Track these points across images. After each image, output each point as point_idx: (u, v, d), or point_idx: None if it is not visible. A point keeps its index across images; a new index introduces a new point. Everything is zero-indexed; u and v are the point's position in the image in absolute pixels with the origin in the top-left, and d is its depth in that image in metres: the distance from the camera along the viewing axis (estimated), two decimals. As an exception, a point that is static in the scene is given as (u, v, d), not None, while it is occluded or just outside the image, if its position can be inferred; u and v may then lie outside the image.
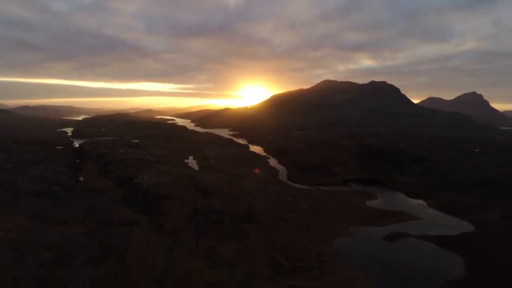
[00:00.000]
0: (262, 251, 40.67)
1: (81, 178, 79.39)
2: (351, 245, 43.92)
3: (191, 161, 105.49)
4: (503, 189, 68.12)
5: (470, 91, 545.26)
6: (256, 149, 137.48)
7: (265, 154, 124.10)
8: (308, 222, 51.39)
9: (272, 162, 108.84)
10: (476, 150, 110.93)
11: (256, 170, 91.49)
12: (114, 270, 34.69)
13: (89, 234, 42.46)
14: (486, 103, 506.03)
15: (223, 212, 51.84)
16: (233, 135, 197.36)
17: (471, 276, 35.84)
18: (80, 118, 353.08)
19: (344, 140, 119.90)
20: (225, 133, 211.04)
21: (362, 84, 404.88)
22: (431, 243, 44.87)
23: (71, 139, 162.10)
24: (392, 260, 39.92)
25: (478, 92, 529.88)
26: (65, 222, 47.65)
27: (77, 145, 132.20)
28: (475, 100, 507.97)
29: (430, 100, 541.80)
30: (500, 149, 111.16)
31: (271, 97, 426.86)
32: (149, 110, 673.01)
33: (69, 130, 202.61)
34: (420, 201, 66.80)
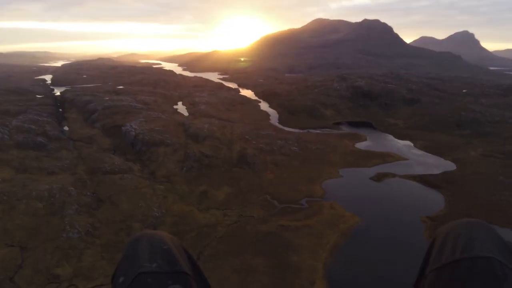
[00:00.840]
0: (254, 194, 41.86)
1: (66, 128, 77.39)
2: (340, 186, 45.42)
3: (180, 107, 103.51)
4: (487, 129, 69.90)
5: (463, 29, 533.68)
6: (246, 93, 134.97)
7: (256, 98, 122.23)
8: (298, 164, 52.45)
9: (263, 106, 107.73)
10: (464, 90, 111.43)
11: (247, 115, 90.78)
12: (108, 217, 35.47)
13: (79, 184, 42.51)
14: (477, 42, 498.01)
15: (215, 157, 52.22)
16: (223, 79, 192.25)
17: (448, 212, 37.98)
18: (58, 64, 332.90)
19: (334, 82, 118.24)
20: (214, 77, 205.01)
21: (355, 22, 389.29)
22: (414, 182, 46.73)
23: (51, 87, 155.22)
24: (378, 198, 41.74)
25: (471, 31, 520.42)
26: (54, 173, 47.18)
27: (58, 94, 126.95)
28: (466, 39, 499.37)
29: (422, 39, 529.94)
30: (486, 89, 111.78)
31: (261, 38, 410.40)
32: (133, 54, 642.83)
33: (48, 78, 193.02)
34: (407, 142, 68.26)
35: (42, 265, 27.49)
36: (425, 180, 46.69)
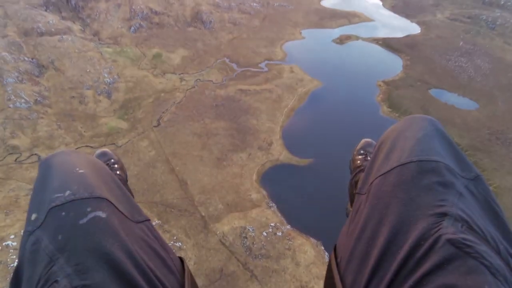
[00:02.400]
0: (212, 57, 39.89)
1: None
2: (301, 48, 44.19)
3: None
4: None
5: None
6: None
7: None
8: (259, 24, 49.03)
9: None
10: None
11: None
12: (56, 85, 32.94)
13: (14, 48, 37.40)
14: None
15: (165, 15, 46.81)
16: None
17: (403, 76, 39.46)
18: None
19: None
20: None
21: None
22: (377, 45, 46.47)
23: None
24: (339, 62, 41.81)
25: None
26: (-20, 34, 40.80)
27: None
28: None
29: None
30: None
31: None
32: None
33: None
34: (376, 1, 64.67)
35: (-5, 136, 26.46)
36: (388, 43, 46.44)
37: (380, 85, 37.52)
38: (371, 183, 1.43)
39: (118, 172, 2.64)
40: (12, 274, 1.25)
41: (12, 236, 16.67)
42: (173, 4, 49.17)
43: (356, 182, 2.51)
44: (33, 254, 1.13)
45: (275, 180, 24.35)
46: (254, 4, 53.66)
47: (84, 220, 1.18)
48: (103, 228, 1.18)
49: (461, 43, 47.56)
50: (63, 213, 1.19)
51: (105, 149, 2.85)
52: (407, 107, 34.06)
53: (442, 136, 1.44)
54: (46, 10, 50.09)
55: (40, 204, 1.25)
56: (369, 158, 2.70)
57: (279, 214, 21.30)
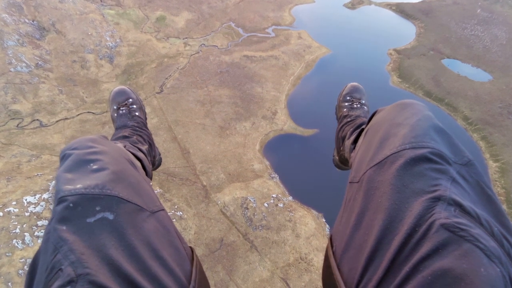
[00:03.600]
0: (218, 21, 38.35)
1: None
2: (310, 13, 42.16)
3: None
4: None
5: None
6: None
7: None
8: (267, -14, 46.68)
9: None
10: None
11: None
12: (57, 48, 32.12)
13: (14, 9, 36.02)
14: None
15: (170, -24, 44.64)
16: None
17: (416, 45, 37.68)
18: None
19: None
20: None
21: None
22: (390, 11, 44.14)
23: None
24: (349, 28, 39.91)
25: None
26: (-22, -8, 39.43)
27: None
28: None
29: None
30: None
31: None
32: None
33: None
34: (391, -38, 60.70)
35: (-4, 101, 26.21)
36: (402, 9, 44.06)
37: (391, 54, 36.03)
38: (365, 172, 1.40)
39: (137, 113, 2.63)
40: (29, 264, 1.24)
41: (14, 203, 16.83)
42: (177, -37, 46.71)
43: (344, 137, 2.50)
44: (45, 243, 1.14)
45: (279, 151, 24.09)
46: (263, -36, 50.77)
47: (92, 219, 1.18)
48: (109, 230, 1.18)
49: (478, 11, 44.96)
50: (71, 205, 1.18)
51: (123, 86, 2.77)
52: (417, 77, 32.88)
53: (434, 121, 1.39)
54: (45, -32, 48.16)
55: (56, 194, 1.26)
56: (355, 106, 2.72)
57: (281, 185, 21.24)
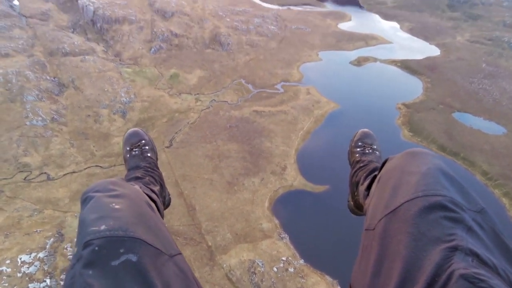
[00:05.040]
0: (228, 78, 39.73)
1: (15, 2, 66.62)
2: (318, 70, 43.57)
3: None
4: (479, 12, 65.45)
5: None
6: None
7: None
8: (276, 46, 48.95)
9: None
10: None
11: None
12: (73, 103, 33.29)
13: (38, 67, 38.50)
14: None
15: (185, 37, 47.50)
16: None
17: (425, 99, 37.96)
18: None
19: None
20: None
21: None
22: (395, 67, 45.35)
23: None
24: (356, 84, 40.84)
25: None
26: (8, 55, 42.01)
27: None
28: None
29: None
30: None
31: None
32: None
33: None
34: (394, 24, 63.88)
35: (9, 154, 26.57)
36: (407, 65, 45.28)
37: (400, 108, 36.10)
38: (380, 219, 1.42)
39: (149, 154, 2.72)
40: None
41: (8, 261, 15.99)
42: (193, 27, 50.00)
43: (358, 182, 2.51)
44: (69, 287, 1.17)
45: (288, 208, 23.03)
46: (272, 27, 53.95)
47: (116, 262, 1.21)
48: (133, 273, 1.21)
49: (483, 65, 45.80)
50: (96, 248, 1.21)
51: (137, 128, 2.89)
52: (429, 131, 32.45)
53: (445, 169, 1.42)
54: (73, 32, 52.07)
55: (80, 236, 1.30)
56: (367, 151, 2.76)
57: (292, 247, 19.83)
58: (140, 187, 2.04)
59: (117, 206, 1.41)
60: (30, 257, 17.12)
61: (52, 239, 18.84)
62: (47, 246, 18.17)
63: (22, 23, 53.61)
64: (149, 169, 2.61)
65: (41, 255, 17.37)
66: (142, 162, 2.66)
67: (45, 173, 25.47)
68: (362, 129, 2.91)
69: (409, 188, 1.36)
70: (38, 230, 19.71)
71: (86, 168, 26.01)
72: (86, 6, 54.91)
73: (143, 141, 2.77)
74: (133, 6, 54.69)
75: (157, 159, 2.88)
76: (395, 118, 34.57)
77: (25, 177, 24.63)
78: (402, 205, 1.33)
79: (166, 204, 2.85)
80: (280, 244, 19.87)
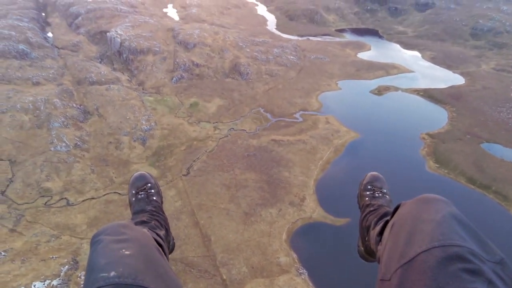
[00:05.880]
0: (247, 107, 40.03)
1: (50, 34, 71.43)
2: (337, 99, 43.31)
3: (171, 10, 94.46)
4: (504, 40, 64.31)
5: None
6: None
7: (252, 0, 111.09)
8: (295, 75, 49.39)
9: (261, 9, 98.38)
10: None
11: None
12: (96, 130, 34.22)
13: (65, 95, 40.28)
14: None
15: (206, 67, 48.83)
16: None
17: (450, 129, 36.68)
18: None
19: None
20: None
21: None
22: (418, 96, 44.48)
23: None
24: (377, 113, 40.10)
25: None
26: (39, 83, 44.67)
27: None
28: None
29: None
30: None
31: None
32: None
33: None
34: (415, 53, 63.57)
35: (32, 178, 27.19)
36: (430, 94, 44.37)
37: (424, 138, 34.91)
38: (396, 270, 1.38)
39: (154, 198, 2.73)
40: None
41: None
42: (214, 57, 51.48)
43: (368, 226, 2.48)
44: None
45: (307, 242, 22.00)
46: (291, 57, 54.78)
47: None
48: None
49: (511, 94, 44.24)
50: None
51: (143, 172, 2.88)
52: (456, 162, 30.98)
53: (459, 217, 1.39)
54: (100, 62, 54.81)
55: (89, 281, 1.31)
56: (377, 195, 2.74)
57: (311, 284, 18.73)
58: (147, 231, 2.06)
59: (127, 252, 1.43)
60: (44, 284, 16.97)
61: (66, 267, 18.65)
62: (62, 274, 17.97)
63: (54, 54, 56.98)
64: (154, 213, 2.62)
65: (54, 282, 17.15)
66: (147, 206, 2.68)
67: (65, 198, 25.78)
68: (371, 172, 2.85)
69: (424, 237, 1.33)
70: (54, 256, 19.61)
71: (104, 195, 26.16)
72: (114, 38, 57.90)
73: (149, 185, 2.78)
74: (157, 38, 57.24)
75: (162, 202, 2.87)
76: (419, 148, 33.37)
77: (46, 202, 24.99)
78: (419, 256, 1.28)
79: (171, 249, 2.82)
80: (298, 281, 18.80)
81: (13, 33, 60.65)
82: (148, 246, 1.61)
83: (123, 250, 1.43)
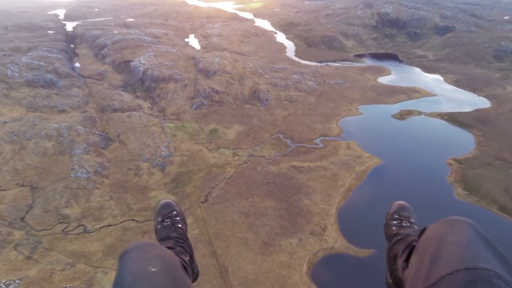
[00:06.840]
0: (266, 133, 39.77)
1: (77, 64, 75.33)
2: (358, 124, 42.43)
3: (192, 40, 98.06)
4: (529, 60, 62.39)
5: None
6: (262, 23, 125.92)
7: (272, 28, 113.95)
8: (315, 101, 49.11)
9: (280, 37, 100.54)
10: (506, 17, 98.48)
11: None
12: (117, 157, 34.69)
13: (89, 122, 41.50)
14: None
15: (225, 93, 49.46)
16: (238, 9, 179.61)
17: (478, 154, 34.89)
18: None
19: (358, 9, 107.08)
20: (229, 6, 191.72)
21: None
22: (442, 120, 43.01)
23: (63, 22, 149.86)
24: (400, 138, 38.90)
25: None
26: (64, 111, 46.51)
27: (70, 29, 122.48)
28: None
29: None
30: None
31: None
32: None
33: (61, 13, 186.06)
34: (436, 76, 62.38)
35: (51, 205, 27.44)
36: (454, 118, 42.81)
37: (451, 164, 33.26)
38: None
39: (179, 225, 2.82)
40: None
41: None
42: (233, 84, 52.23)
43: (396, 255, 2.40)
44: None
45: (329, 274, 20.68)
46: (310, 82, 54.83)
47: None
48: None
49: (540, 117, 42.07)
50: None
51: (169, 200, 2.97)
52: (487, 189, 29.10)
53: (485, 240, 1.37)
54: (123, 90, 56.68)
55: None
56: (404, 224, 2.72)
57: (334, 322, 17.38)
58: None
59: (153, 269, 1.48)
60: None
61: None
62: (73, 306, 17.43)
63: (80, 83, 59.58)
64: (180, 240, 2.67)
65: (66, 314, 16.60)
66: (173, 233, 2.73)
67: (82, 225, 25.71)
68: (398, 202, 2.83)
69: (449, 259, 1.31)
70: (68, 286, 19.23)
71: (122, 222, 25.94)
72: (137, 67, 60.13)
73: (174, 212, 2.87)
74: (179, 66, 58.95)
75: (187, 230, 2.93)
76: (446, 174, 31.72)
77: (64, 229, 24.96)
78: (444, 278, 1.26)
79: (195, 277, 2.78)
80: (321, 318, 17.47)
81: (42, 63, 64.20)
82: (174, 264, 1.68)
83: (150, 267, 1.49)
